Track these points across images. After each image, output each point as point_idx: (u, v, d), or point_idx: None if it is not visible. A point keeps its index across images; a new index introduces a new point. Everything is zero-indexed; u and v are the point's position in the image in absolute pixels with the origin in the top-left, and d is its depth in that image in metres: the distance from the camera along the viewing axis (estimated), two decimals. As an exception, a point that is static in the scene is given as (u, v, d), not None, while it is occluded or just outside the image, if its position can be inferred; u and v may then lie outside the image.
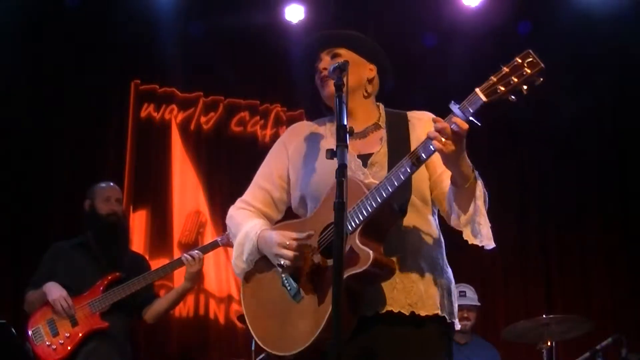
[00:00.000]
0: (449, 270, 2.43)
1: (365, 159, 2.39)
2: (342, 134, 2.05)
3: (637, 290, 6.30)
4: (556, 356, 4.68)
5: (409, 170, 2.13)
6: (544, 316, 4.62)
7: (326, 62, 2.45)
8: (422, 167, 2.20)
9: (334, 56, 2.46)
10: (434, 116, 2.44)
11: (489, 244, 2.22)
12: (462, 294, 4.87)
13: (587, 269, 6.45)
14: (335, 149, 2.03)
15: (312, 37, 2.55)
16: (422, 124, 2.43)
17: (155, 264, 4.87)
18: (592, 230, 6.51)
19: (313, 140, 2.52)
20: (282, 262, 2.28)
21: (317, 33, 2.55)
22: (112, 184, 4.60)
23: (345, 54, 2.46)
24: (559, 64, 6.08)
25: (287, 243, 2.27)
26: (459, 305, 2.53)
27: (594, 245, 6.47)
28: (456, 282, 2.47)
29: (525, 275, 6.45)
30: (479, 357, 4.95)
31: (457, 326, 2.42)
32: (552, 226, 6.55)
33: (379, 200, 2.14)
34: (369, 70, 2.51)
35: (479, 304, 5.07)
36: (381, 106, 2.55)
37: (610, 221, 6.49)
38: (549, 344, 4.63)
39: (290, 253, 2.26)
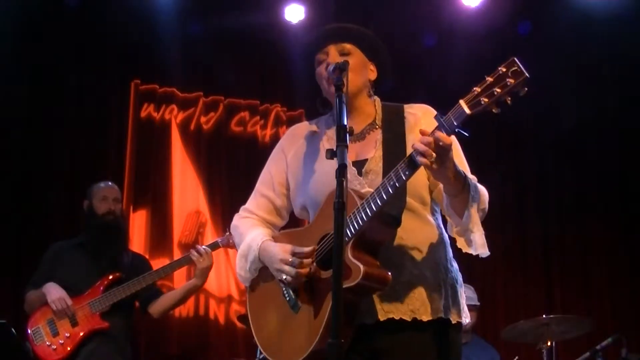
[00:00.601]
0: (454, 268, 2.41)
1: (360, 166, 2.36)
2: (342, 134, 2.03)
3: (637, 290, 6.30)
4: (556, 356, 4.68)
5: (397, 184, 2.11)
6: (544, 316, 4.63)
7: (334, 57, 2.39)
8: (420, 169, 2.18)
9: (343, 53, 2.41)
10: (431, 111, 2.41)
11: (483, 252, 2.19)
12: None
13: (588, 269, 6.45)
14: (335, 149, 2.02)
15: (323, 28, 2.48)
16: (416, 119, 2.40)
17: (155, 264, 4.87)
18: (593, 230, 6.51)
19: (311, 144, 2.50)
20: (284, 278, 2.28)
21: (329, 25, 2.48)
22: (110, 183, 4.59)
23: (353, 52, 2.43)
24: (558, 64, 6.09)
25: (290, 260, 2.26)
26: None
27: (594, 245, 6.47)
28: (458, 281, 2.46)
29: (525, 275, 6.45)
30: (478, 357, 4.95)
31: (465, 321, 2.40)
32: (552, 226, 6.54)
33: (369, 213, 2.12)
34: (371, 71, 2.49)
35: (478, 303, 5.06)
36: (377, 101, 2.51)
37: (611, 221, 6.49)
38: (549, 344, 4.62)
39: (292, 270, 2.25)
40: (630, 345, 4.65)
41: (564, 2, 6.22)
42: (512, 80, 1.95)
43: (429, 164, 2.03)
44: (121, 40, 6.03)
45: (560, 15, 6.21)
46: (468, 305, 5.11)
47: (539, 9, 6.39)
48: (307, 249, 2.26)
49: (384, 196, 2.11)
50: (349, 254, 2.12)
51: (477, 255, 2.23)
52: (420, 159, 2.03)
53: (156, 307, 4.40)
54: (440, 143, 2.02)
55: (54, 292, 4.12)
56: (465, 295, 5.30)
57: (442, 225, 2.42)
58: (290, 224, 2.62)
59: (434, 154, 2.02)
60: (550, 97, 6.19)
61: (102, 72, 6.03)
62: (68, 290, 4.15)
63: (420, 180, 2.33)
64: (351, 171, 2.34)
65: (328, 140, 2.47)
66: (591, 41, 6.26)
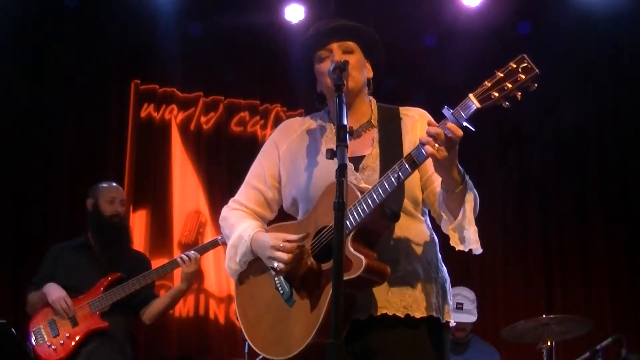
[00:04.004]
0: (444, 268, 2.42)
1: (357, 162, 2.36)
2: (342, 134, 2.03)
3: (637, 290, 6.30)
4: (556, 356, 4.68)
5: (401, 176, 2.11)
6: (544, 316, 4.63)
7: (339, 55, 2.38)
8: None
9: (346, 50, 2.41)
10: (427, 115, 2.43)
11: (476, 247, 2.19)
12: (459, 307, 4.77)
13: (588, 269, 6.44)
14: (335, 149, 2.02)
15: (325, 25, 2.45)
16: (413, 122, 2.41)
17: (155, 264, 4.86)
18: (593, 230, 6.50)
19: (306, 139, 2.50)
20: (275, 265, 2.25)
21: (331, 22, 2.47)
22: (114, 184, 4.61)
23: (355, 49, 2.42)
24: (558, 64, 6.09)
25: (281, 245, 2.24)
26: (455, 322, 2.53)
27: (594, 245, 6.46)
28: (456, 283, 2.48)
29: (525, 275, 6.44)
30: (478, 358, 4.95)
31: (453, 323, 2.41)
32: (552, 226, 6.54)
33: (371, 205, 2.12)
34: (368, 69, 2.49)
35: (475, 318, 4.98)
36: (373, 101, 2.51)
37: (611, 221, 6.48)
38: (549, 344, 4.63)
39: (284, 256, 2.23)
40: (630, 345, 4.65)
41: (564, 2, 6.22)
42: (522, 76, 1.98)
43: (437, 156, 2.03)
44: (121, 40, 6.03)
45: (560, 15, 6.21)
46: (464, 324, 4.98)
47: (539, 9, 6.39)
48: (299, 236, 2.25)
49: (388, 188, 2.12)
50: (349, 246, 2.12)
51: (470, 251, 2.23)
52: (427, 148, 2.03)
53: (147, 315, 4.43)
54: (450, 134, 2.02)
55: (54, 293, 4.13)
56: (463, 308, 5.19)
57: (431, 227, 2.43)
58: (277, 219, 2.59)
59: (443, 146, 2.03)
60: (550, 97, 6.19)
61: (102, 72, 6.03)
62: (69, 290, 4.16)
63: (413, 180, 2.34)
64: (348, 166, 2.33)
65: (326, 138, 2.47)
66: (591, 41, 6.25)
